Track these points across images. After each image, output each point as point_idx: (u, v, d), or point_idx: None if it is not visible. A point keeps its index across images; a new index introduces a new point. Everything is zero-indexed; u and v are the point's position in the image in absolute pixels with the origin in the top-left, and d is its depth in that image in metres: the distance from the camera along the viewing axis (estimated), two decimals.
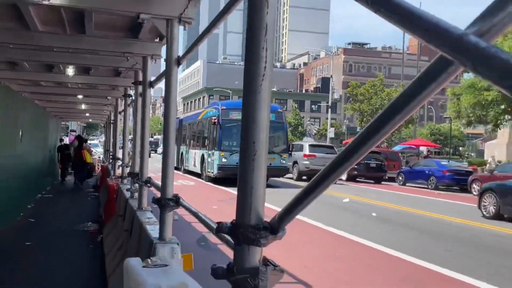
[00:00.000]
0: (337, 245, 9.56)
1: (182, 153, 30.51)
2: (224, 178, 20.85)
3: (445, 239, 10.80)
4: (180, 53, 4.52)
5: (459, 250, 9.55)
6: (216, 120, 21.85)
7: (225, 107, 22.60)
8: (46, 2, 4.68)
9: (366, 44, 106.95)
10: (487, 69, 0.76)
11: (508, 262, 8.74)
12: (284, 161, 22.27)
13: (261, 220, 1.88)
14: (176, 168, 29.74)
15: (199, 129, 27.16)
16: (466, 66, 0.82)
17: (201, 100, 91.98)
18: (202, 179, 23.86)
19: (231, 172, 20.20)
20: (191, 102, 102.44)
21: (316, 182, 1.56)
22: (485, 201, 14.94)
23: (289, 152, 23.62)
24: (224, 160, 21.03)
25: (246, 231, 1.85)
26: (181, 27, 4.78)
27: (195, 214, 3.51)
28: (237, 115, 20.53)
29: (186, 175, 27.19)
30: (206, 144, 24.11)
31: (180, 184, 20.74)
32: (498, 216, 14.13)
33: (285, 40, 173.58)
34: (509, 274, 7.88)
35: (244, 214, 1.89)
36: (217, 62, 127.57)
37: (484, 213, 14.79)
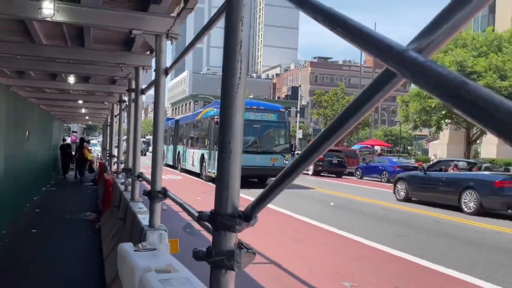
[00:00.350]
0: (303, 230, 9.60)
1: (179, 152, 27.01)
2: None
3: (390, 222, 10.97)
4: (168, 64, 4.49)
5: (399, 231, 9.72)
6: (218, 120, 19.07)
7: None
8: (49, 19, 4.59)
9: (329, 58, 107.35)
10: (424, 80, 0.77)
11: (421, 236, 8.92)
12: (287, 162, 18.47)
13: (236, 209, 1.87)
14: (173, 167, 27.78)
15: (198, 128, 23.32)
16: (407, 77, 0.82)
17: (187, 105, 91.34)
18: (202, 179, 20.56)
19: None
20: (179, 107, 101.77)
21: (283, 176, 1.56)
22: (398, 187, 16.52)
23: (292, 152, 19.75)
24: None
25: (223, 219, 1.84)
26: (169, 42, 4.74)
27: (180, 205, 3.49)
28: None
29: (183, 173, 24.29)
30: (206, 143, 20.73)
31: (169, 178, 20.60)
32: (407, 199, 15.83)
33: (261, 54, 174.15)
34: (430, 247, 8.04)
35: (221, 204, 1.88)
36: (202, 72, 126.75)
37: (398, 197, 16.36)
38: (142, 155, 33.23)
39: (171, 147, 29.61)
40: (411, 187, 15.82)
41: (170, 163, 28.91)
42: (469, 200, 13.25)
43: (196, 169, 22.05)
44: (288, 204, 12.33)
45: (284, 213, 11.41)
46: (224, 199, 1.89)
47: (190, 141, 24.80)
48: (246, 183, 15.15)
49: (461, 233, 10.11)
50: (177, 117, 32.99)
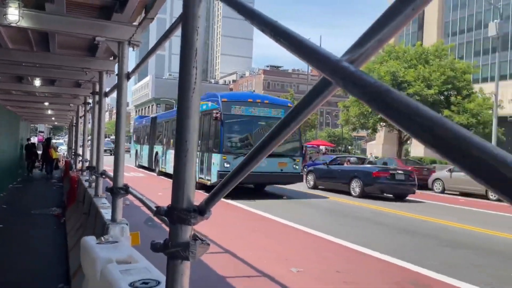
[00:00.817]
0: (254, 221, 9.64)
1: (157, 153, 21.88)
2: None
3: (332, 212, 11.25)
4: (130, 69, 4.37)
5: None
6: (218, 115, 13.65)
7: (226, 99, 14.34)
8: (14, 24, 4.37)
9: (280, 66, 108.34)
10: (354, 88, 0.78)
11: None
12: (297, 166, 14.52)
13: (192, 204, 1.85)
14: (149, 169, 23.11)
15: None
16: (340, 85, 0.84)
17: (150, 108, 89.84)
18: None
19: None
20: (142, 109, 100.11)
21: (234, 173, 1.55)
22: (308, 178, 18.67)
23: (303, 155, 15.57)
24: (226, 165, 13.31)
25: (179, 213, 1.81)
26: (131, 48, 4.62)
27: (141, 200, 3.41)
28: (240, 110, 14.17)
29: (162, 177, 19.82)
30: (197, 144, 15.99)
31: (133, 175, 20.14)
32: (315, 187, 18.03)
33: (218, 61, 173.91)
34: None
35: (178, 199, 1.86)
36: (164, 77, 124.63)
37: (308, 185, 18.39)
38: (110, 154, 30.02)
39: (146, 147, 24.55)
40: (317, 177, 18.11)
41: (146, 165, 23.92)
42: (355, 186, 15.65)
43: None
44: (240, 198, 12.34)
45: (237, 206, 11.42)
46: (180, 195, 1.86)
47: (172, 140, 19.70)
48: (245, 191, 14.15)
49: (393, 222, 10.48)
50: (154, 114, 27.09)
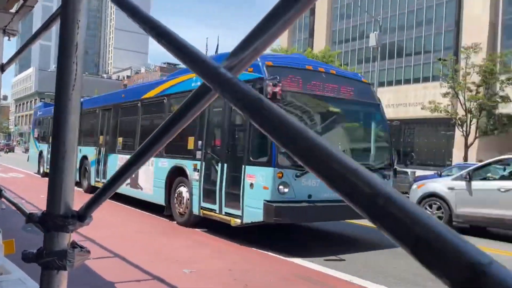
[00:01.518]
0: (145, 222, 9.39)
1: (84, 159, 13.72)
2: (266, 227, 7.97)
3: None
4: (6, 61, 3.93)
5: None
6: (276, 90, 6.42)
7: (272, 64, 7.17)
8: None
9: (178, 64, 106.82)
10: (229, 95, 0.79)
11: None
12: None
13: (70, 209, 1.72)
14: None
15: (160, 114, 10.32)
16: (218, 91, 0.84)
17: (32, 102, 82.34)
18: (180, 222, 8.88)
19: (297, 215, 7.25)
20: (23, 104, 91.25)
21: (114, 178, 1.48)
22: None
23: (395, 169, 8.63)
24: (284, 189, 6.80)
25: (56, 219, 1.68)
26: (6, 38, 4.16)
27: (15, 205, 3.09)
28: (297, 84, 7.46)
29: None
30: (191, 145, 8.67)
31: (10, 176, 18.25)
32: None
33: (111, 56, 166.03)
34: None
35: (54, 205, 1.71)
36: (49, 69, 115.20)
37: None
38: (6, 152, 24.66)
39: None
40: None
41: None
42: None
43: (154, 196, 9.98)
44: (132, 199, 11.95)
45: (126, 207, 11.00)
46: (57, 200, 1.72)
47: (125, 140, 12.02)
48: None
49: None
50: (85, 98, 15.72)
